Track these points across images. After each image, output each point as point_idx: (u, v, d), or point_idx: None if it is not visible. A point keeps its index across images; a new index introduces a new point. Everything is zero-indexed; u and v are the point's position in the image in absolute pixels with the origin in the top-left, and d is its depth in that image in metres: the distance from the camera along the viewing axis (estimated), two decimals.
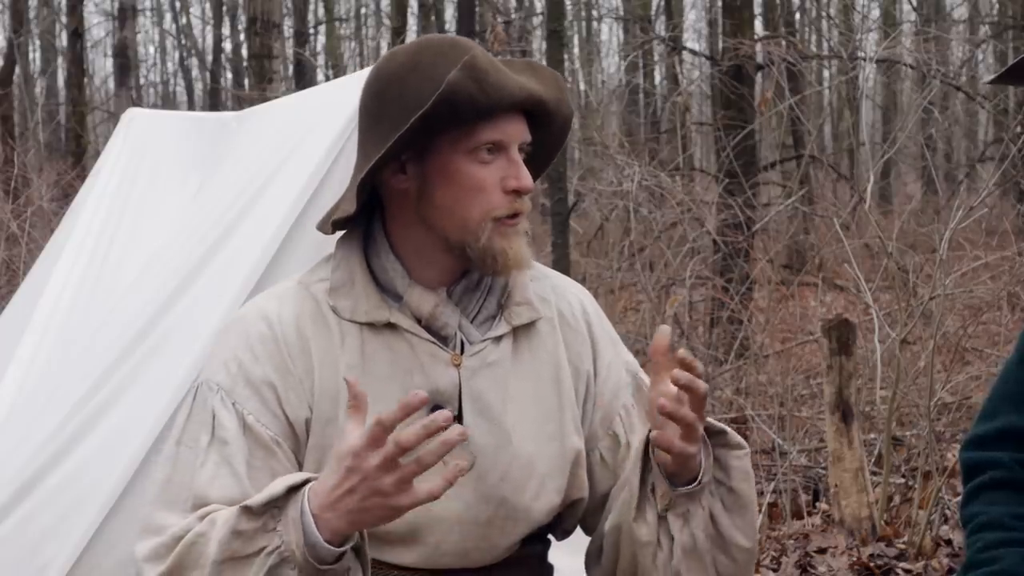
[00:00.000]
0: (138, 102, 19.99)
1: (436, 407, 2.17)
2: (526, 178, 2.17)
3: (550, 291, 2.32)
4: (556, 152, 2.31)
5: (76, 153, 16.87)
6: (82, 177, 10.42)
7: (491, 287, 2.24)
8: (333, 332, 2.18)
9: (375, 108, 2.18)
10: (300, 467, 2.17)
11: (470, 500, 2.20)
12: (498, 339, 2.23)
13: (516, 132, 2.16)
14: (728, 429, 2.19)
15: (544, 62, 13.59)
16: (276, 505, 2.00)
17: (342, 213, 2.18)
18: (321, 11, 25.62)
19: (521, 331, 2.26)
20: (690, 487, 2.15)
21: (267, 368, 2.16)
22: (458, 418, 2.18)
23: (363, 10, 28.50)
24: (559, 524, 2.34)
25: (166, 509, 2.13)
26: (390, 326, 2.18)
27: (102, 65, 29.62)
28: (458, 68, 2.07)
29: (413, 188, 2.17)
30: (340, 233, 2.26)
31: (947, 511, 5.89)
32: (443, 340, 2.20)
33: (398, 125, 2.11)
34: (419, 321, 2.19)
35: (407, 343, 2.18)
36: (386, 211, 2.22)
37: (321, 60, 25.67)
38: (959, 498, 2.34)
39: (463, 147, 2.13)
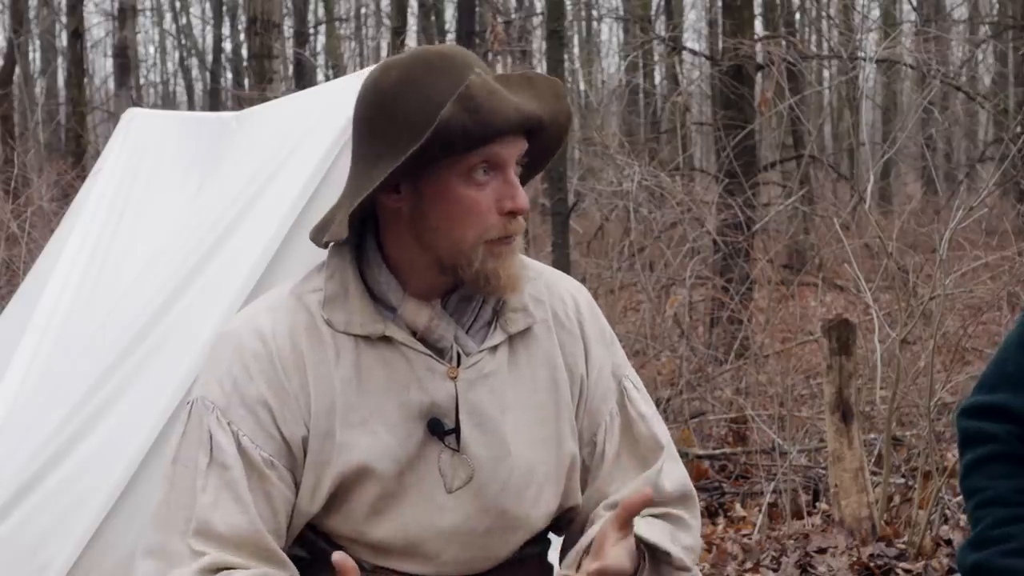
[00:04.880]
0: (138, 102, 20.00)
1: (433, 420, 2.16)
2: (522, 199, 2.12)
3: (544, 290, 2.29)
4: (552, 156, 2.27)
5: (76, 153, 16.86)
6: (82, 177, 10.42)
7: (486, 296, 2.21)
8: (328, 345, 2.15)
9: (368, 125, 2.15)
10: (297, 486, 2.15)
11: (469, 512, 2.18)
12: (494, 348, 2.20)
13: (513, 152, 2.12)
14: (673, 552, 2.17)
15: (544, 62, 13.61)
16: None
17: (334, 236, 2.14)
18: (321, 11, 25.64)
19: (517, 336, 2.23)
20: None
21: (262, 387, 2.13)
22: (456, 431, 2.16)
23: (363, 10, 28.51)
24: (555, 528, 2.33)
25: (166, 530, 2.11)
26: (385, 339, 2.15)
27: (102, 65, 29.66)
28: (452, 101, 2.03)
29: (406, 207, 2.13)
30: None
31: (947, 511, 5.89)
32: (439, 352, 2.17)
33: (391, 149, 2.08)
34: (414, 333, 2.16)
35: (403, 356, 2.15)
36: (379, 224, 2.19)
37: (321, 60, 25.71)
38: (959, 498, 2.38)
39: (458, 170, 2.09)
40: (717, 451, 7.35)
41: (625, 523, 2.08)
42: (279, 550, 2.12)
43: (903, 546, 5.61)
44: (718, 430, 7.90)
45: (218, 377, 2.15)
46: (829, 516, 5.93)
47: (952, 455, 6.18)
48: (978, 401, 2.34)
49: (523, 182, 2.19)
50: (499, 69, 14.34)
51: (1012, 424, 2.27)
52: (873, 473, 6.06)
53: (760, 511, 6.19)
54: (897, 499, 6.18)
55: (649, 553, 2.16)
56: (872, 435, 6.85)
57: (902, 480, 6.40)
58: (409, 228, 2.15)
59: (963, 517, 5.76)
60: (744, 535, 6.04)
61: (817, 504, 6.35)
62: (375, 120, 2.13)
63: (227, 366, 2.15)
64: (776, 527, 6.09)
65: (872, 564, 5.46)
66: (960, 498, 2.35)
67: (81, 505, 2.92)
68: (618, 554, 2.07)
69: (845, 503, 5.64)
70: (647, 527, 2.17)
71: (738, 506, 6.60)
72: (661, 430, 2.33)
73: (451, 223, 2.11)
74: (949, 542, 5.68)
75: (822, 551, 5.58)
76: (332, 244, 2.22)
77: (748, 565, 5.64)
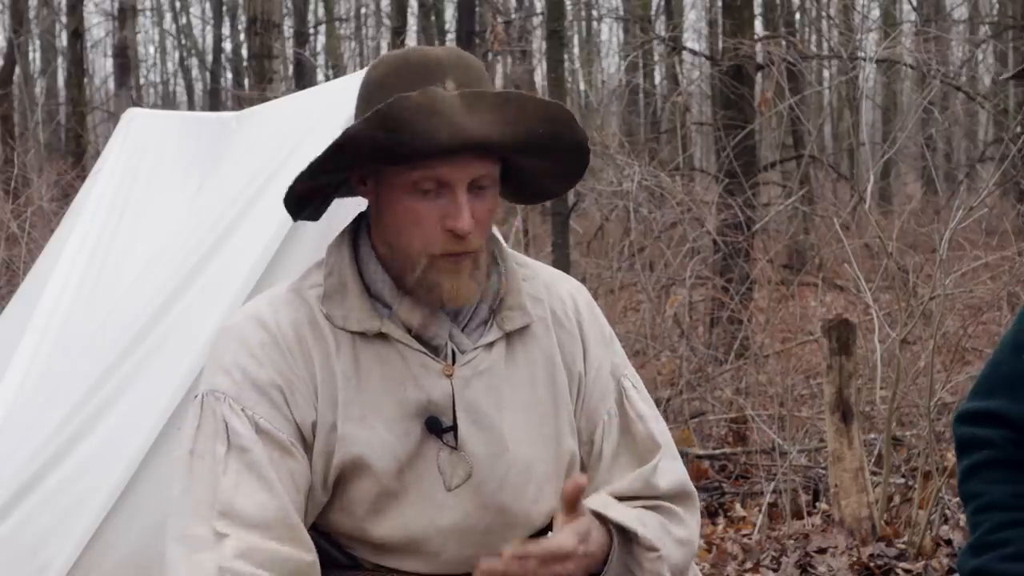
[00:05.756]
0: (138, 102, 19.99)
1: (431, 418, 2.16)
2: (464, 220, 2.08)
3: (543, 289, 2.30)
4: (567, 178, 2.23)
5: (76, 153, 16.85)
6: (82, 177, 10.42)
7: (483, 293, 2.21)
8: (328, 339, 2.16)
9: (354, 114, 2.21)
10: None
11: (469, 509, 2.19)
12: (489, 345, 2.20)
13: (461, 172, 2.08)
14: (640, 531, 2.16)
15: (544, 62, 13.60)
16: None
17: (289, 213, 2.23)
18: (321, 11, 25.63)
19: (515, 334, 2.23)
20: None
21: (272, 372, 2.13)
22: (453, 428, 2.17)
23: (363, 10, 28.50)
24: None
25: (189, 517, 2.09)
26: (381, 336, 2.16)
27: (102, 65, 29.65)
28: (365, 116, 2.03)
29: (372, 202, 2.18)
30: (331, 238, 2.25)
31: (947, 511, 5.89)
32: (434, 350, 2.18)
33: None
34: (410, 331, 2.17)
35: (398, 354, 2.16)
36: (369, 218, 2.22)
37: (321, 60, 25.70)
38: (959, 498, 2.38)
39: (402, 180, 2.09)
40: (717, 451, 7.35)
41: (571, 507, 2.09)
42: (303, 527, 2.12)
43: (903, 546, 5.61)
44: (718, 430, 7.90)
45: (225, 368, 2.15)
46: (829, 516, 5.92)
47: (952, 455, 6.18)
48: (974, 406, 2.34)
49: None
50: (499, 69, 14.35)
51: (1008, 429, 2.28)
52: (873, 473, 6.06)
53: (760, 511, 6.19)
54: (897, 499, 6.18)
55: (619, 534, 2.17)
56: (872, 435, 6.85)
57: (902, 480, 6.40)
58: (376, 224, 2.18)
59: (963, 517, 5.76)
60: (744, 535, 6.04)
61: (817, 504, 6.35)
62: (356, 112, 2.19)
63: (233, 357, 2.15)
64: (776, 527, 6.09)
65: (872, 564, 5.46)
66: (960, 499, 2.36)
67: (81, 505, 2.92)
68: (562, 536, 2.08)
69: (845, 503, 5.64)
70: (616, 510, 2.18)
71: (738, 506, 6.60)
72: (659, 429, 2.33)
73: (398, 229, 2.13)
74: (949, 542, 5.67)
75: (822, 551, 5.58)
76: (331, 241, 2.24)
77: (748, 565, 5.64)
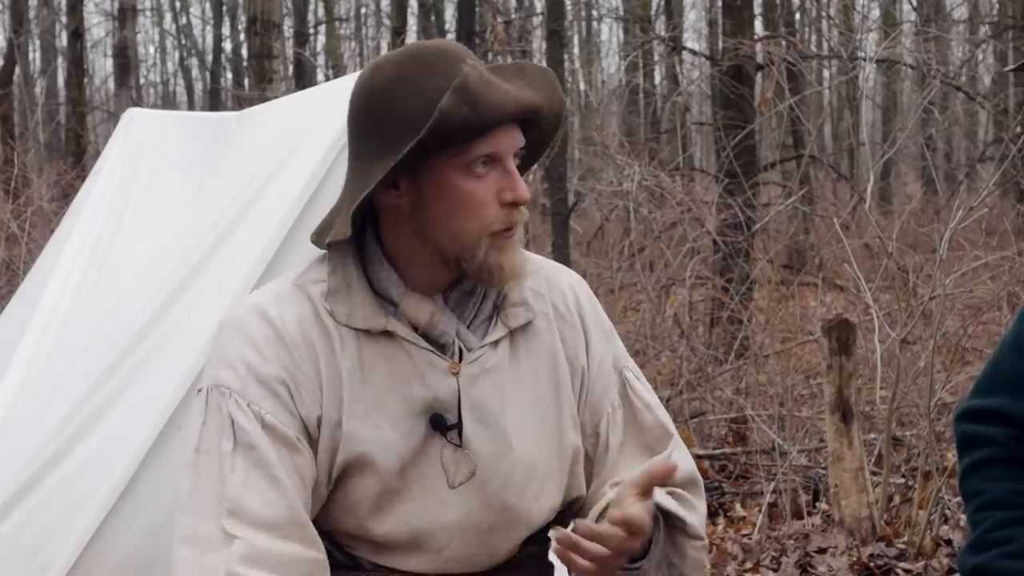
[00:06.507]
0: (138, 102, 19.99)
1: (436, 415, 2.16)
2: (522, 189, 2.13)
3: (544, 284, 2.30)
4: (548, 145, 2.27)
5: (76, 153, 16.85)
6: (82, 177, 10.42)
7: (487, 291, 2.21)
8: (333, 336, 2.15)
9: (363, 125, 2.14)
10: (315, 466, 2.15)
11: (472, 507, 2.18)
12: (495, 343, 2.20)
13: (511, 142, 2.12)
14: (688, 519, 2.17)
15: (544, 62, 13.59)
16: None
17: (337, 236, 2.12)
18: (321, 11, 25.63)
19: (518, 331, 2.23)
20: (630, 567, 2.14)
21: (277, 368, 2.12)
22: (458, 426, 2.16)
23: (363, 10, 28.50)
24: (559, 521, 2.33)
25: (197, 515, 2.08)
26: (387, 334, 2.15)
27: (102, 65, 29.65)
28: (450, 92, 2.03)
29: (406, 203, 2.13)
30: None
31: (947, 511, 5.89)
32: (440, 347, 2.17)
33: (389, 147, 2.07)
34: (416, 329, 2.16)
35: (404, 352, 2.15)
36: (379, 220, 2.18)
37: (321, 60, 25.70)
38: (959, 498, 2.38)
39: (457, 163, 2.09)
40: (717, 451, 7.36)
41: (646, 489, 2.07)
42: (312, 525, 2.11)
43: (903, 546, 5.61)
44: (718, 430, 7.90)
45: (229, 363, 2.13)
46: (829, 516, 5.92)
47: (952, 455, 6.17)
48: (975, 404, 2.34)
49: (520, 173, 2.19)
50: None
51: (1010, 427, 2.28)
52: (873, 473, 6.06)
53: (760, 511, 6.19)
54: (897, 499, 6.18)
55: (665, 521, 2.17)
56: (872, 435, 6.85)
57: (902, 480, 6.40)
58: (410, 223, 2.14)
59: (963, 517, 5.76)
60: (744, 535, 6.04)
61: (817, 504, 6.35)
62: (371, 119, 2.13)
63: (238, 351, 2.14)
64: (776, 527, 6.09)
65: (872, 564, 5.46)
66: (960, 498, 2.37)
67: (81, 505, 2.92)
68: (639, 509, 2.05)
69: (845, 503, 5.64)
70: (662, 496, 2.17)
71: (738, 506, 6.60)
72: (667, 418, 2.35)
73: (453, 217, 2.11)
74: (949, 542, 5.67)
75: (822, 551, 5.58)
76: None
77: (748, 565, 5.64)
